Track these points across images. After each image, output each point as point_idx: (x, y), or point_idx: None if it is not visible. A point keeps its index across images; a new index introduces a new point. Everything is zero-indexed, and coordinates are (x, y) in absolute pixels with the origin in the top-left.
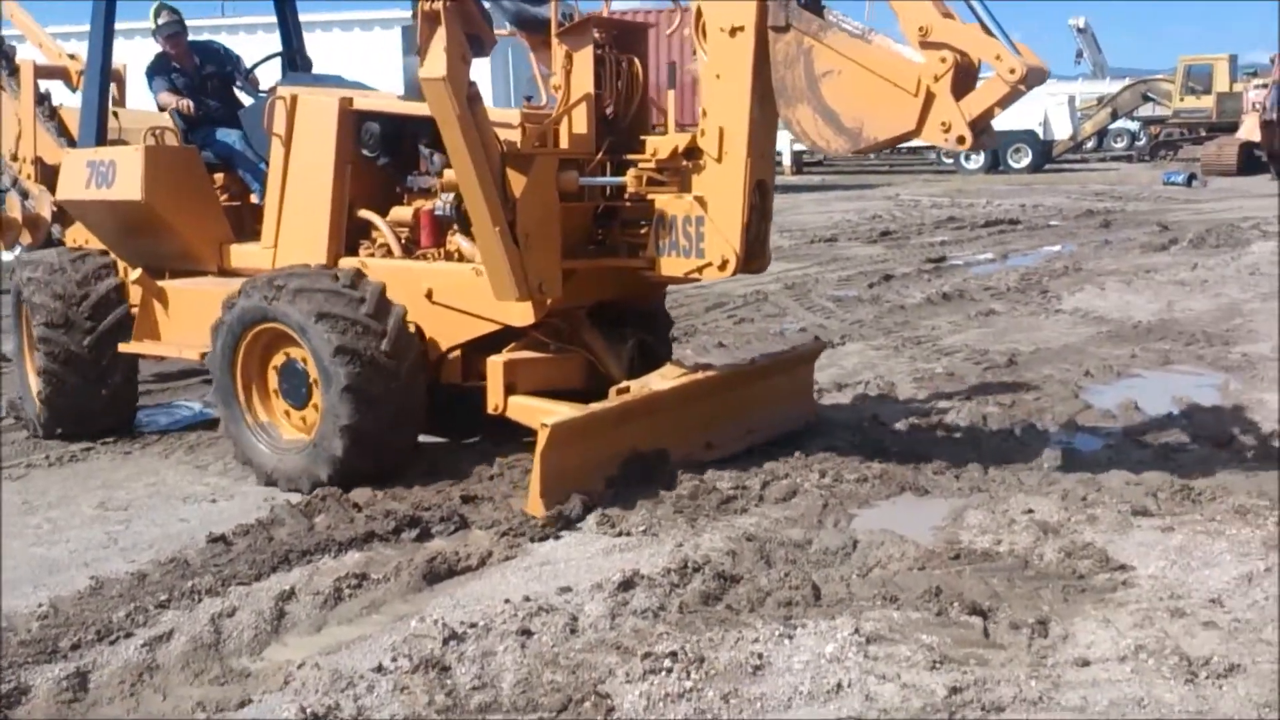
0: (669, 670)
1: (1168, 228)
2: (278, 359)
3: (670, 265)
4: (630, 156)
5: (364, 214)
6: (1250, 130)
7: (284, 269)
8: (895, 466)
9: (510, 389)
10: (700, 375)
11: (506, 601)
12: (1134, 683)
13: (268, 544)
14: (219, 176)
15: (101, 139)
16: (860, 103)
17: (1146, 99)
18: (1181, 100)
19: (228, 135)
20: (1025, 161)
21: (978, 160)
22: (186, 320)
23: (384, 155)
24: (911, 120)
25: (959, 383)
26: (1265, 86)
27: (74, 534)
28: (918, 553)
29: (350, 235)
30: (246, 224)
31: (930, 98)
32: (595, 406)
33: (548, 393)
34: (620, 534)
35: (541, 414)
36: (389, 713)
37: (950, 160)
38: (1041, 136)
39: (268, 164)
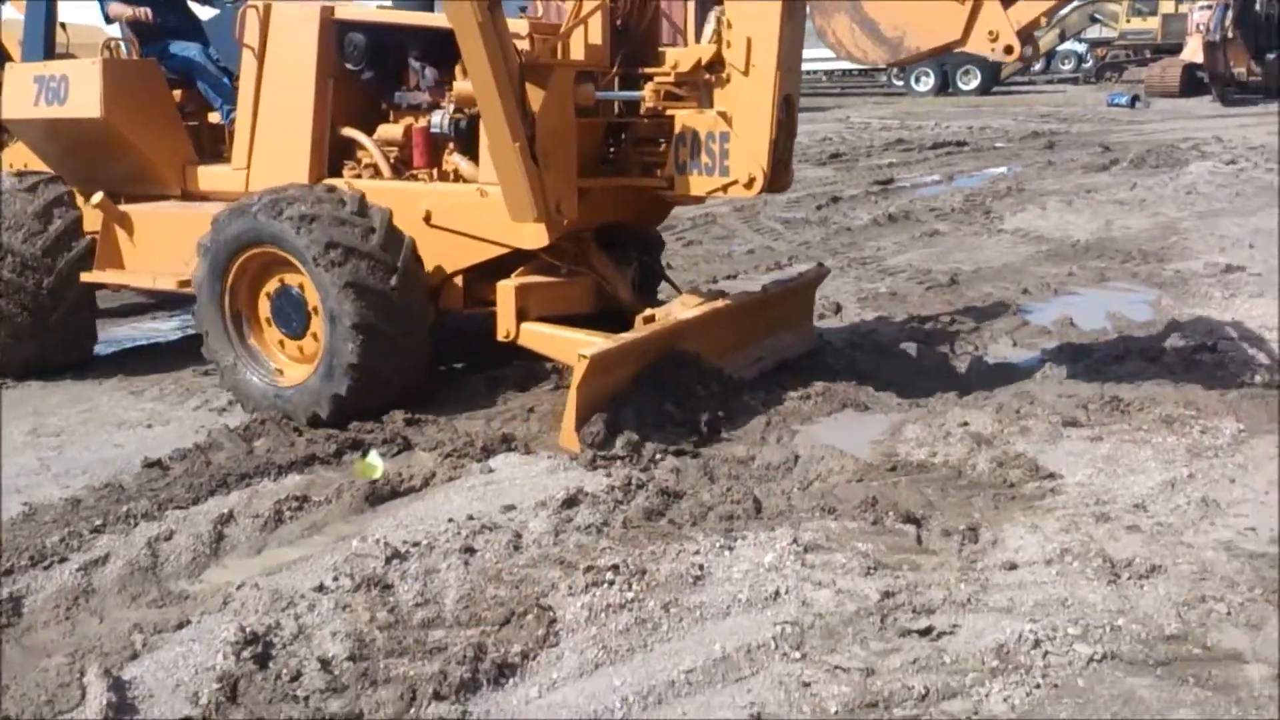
0: (611, 582)
1: (1109, 149)
2: (271, 285)
3: (692, 184)
4: (647, 70)
5: (348, 132)
6: (1193, 52)
7: (282, 189)
8: (838, 384)
9: (522, 314)
10: (720, 304)
11: (450, 521)
12: (1059, 584)
13: (205, 468)
14: (176, 94)
15: (50, 52)
16: (903, 11)
17: (1094, 20)
18: (1128, 22)
19: (186, 49)
20: (974, 84)
21: (927, 82)
22: (154, 247)
23: (369, 69)
24: (957, 29)
25: (902, 302)
26: (1209, 8)
27: (5, 461)
28: (856, 466)
29: (332, 155)
30: (206, 144)
31: (978, 5)
32: (628, 336)
33: (556, 318)
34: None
35: (566, 343)
36: (331, 630)
37: (900, 83)
38: (989, 58)
39: (234, 79)
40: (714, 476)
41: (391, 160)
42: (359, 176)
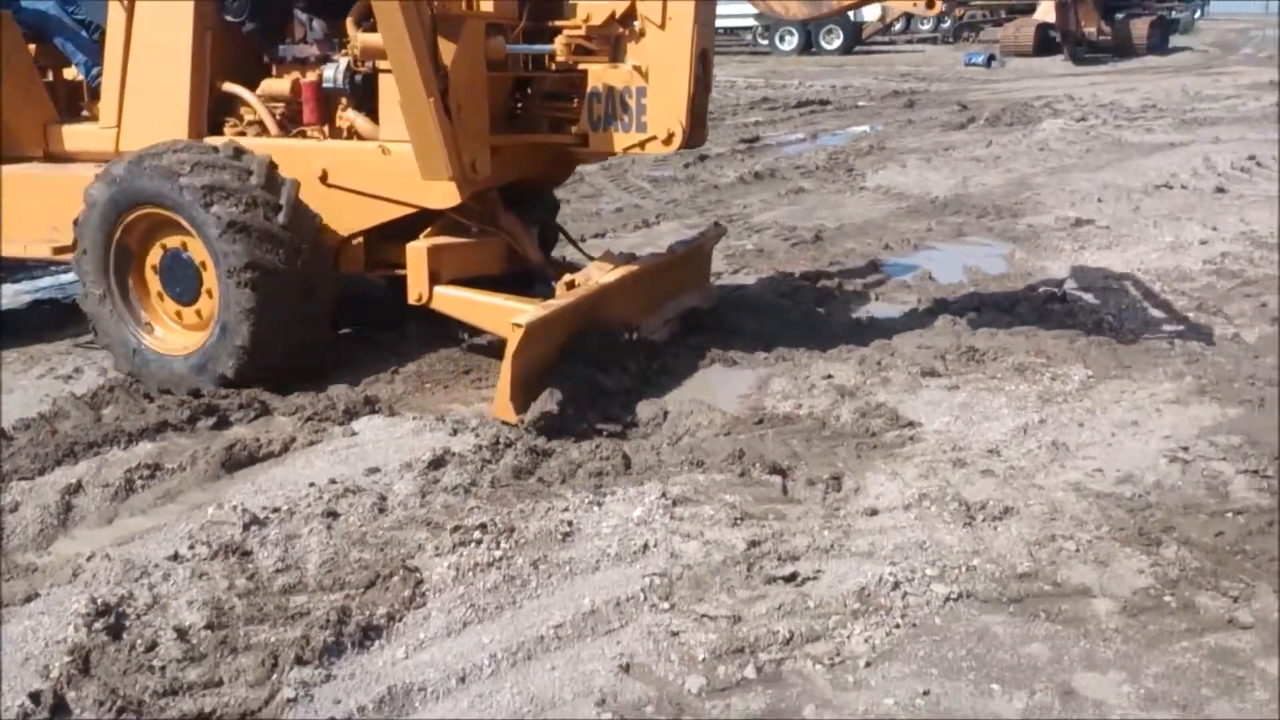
0: (478, 541)
1: (966, 107)
2: (154, 255)
3: (606, 140)
4: (557, 23)
5: (229, 88)
6: (1046, 12)
7: (154, 146)
8: (706, 339)
9: (435, 277)
10: (636, 266)
11: (311, 485)
12: (917, 528)
13: (51, 437)
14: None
15: None
16: None
17: None
18: None
19: (38, 2)
20: (837, 43)
21: (791, 41)
22: (21, 213)
23: (251, 20)
24: None
25: (768, 259)
26: None
27: None
28: (724, 420)
29: (212, 112)
30: (62, 102)
31: None
32: (557, 303)
33: (467, 280)
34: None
35: (489, 310)
36: (187, 599)
37: (765, 42)
38: (852, 18)
39: (95, 32)
40: (583, 433)
41: (278, 117)
42: (243, 134)
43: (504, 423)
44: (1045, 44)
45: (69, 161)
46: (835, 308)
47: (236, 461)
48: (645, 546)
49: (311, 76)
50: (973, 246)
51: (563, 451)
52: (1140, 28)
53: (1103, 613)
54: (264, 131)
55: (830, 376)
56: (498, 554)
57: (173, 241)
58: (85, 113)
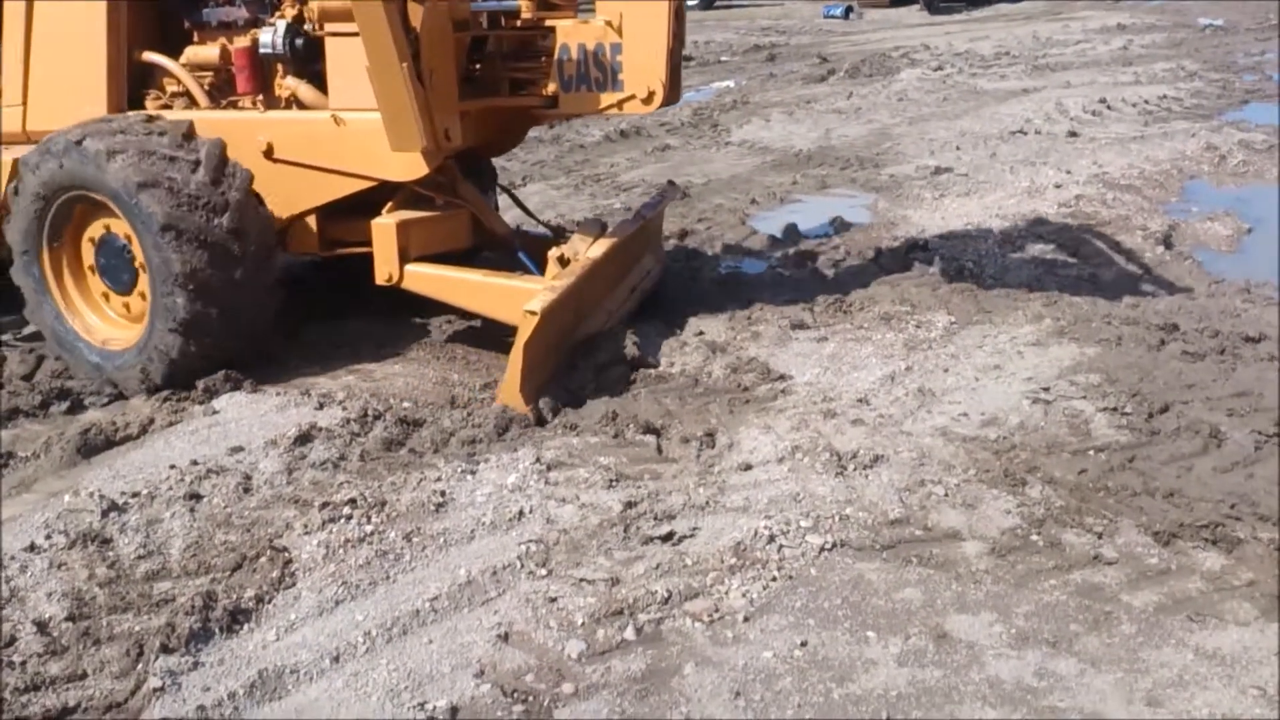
0: (349, 517)
1: (826, 59)
2: (94, 230)
3: (580, 101)
4: None
5: (150, 57)
6: None
7: (93, 122)
8: None
9: (404, 255)
10: (616, 237)
11: (172, 467)
12: (790, 480)
13: None
14: None
15: None
16: None
17: None
18: None
19: None
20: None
21: None
22: None
23: None
24: None
25: None
26: None
27: None
28: (598, 380)
29: (130, 84)
30: None
31: None
32: (560, 282)
33: (434, 257)
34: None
35: (480, 290)
36: (46, 590)
37: None
38: None
39: None
40: (455, 402)
41: (206, 87)
42: (168, 107)
43: (510, 409)
44: None
45: None
46: (704, 263)
47: (92, 446)
48: (521, 513)
49: (243, 42)
50: (837, 198)
51: (434, 420)
52: None
53: (972, 554)
54: (192, 103)
55: (702, 333)
56: (369, 529)
57: (115, 227)
58: None
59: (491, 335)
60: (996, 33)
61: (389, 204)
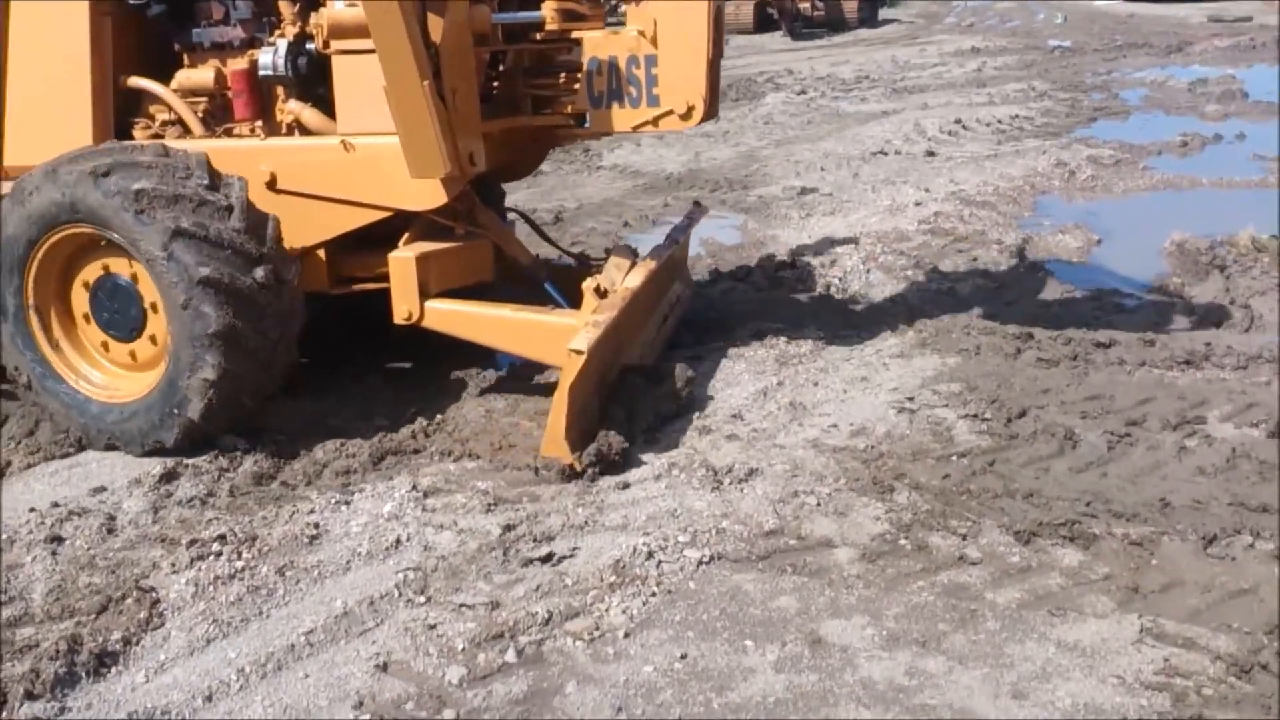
0: (218, 554)
1: None
2: (89, 273)
3: (610, 119)
4: None
5: (137, 83)
6: None
7: (102, 151)
8: None
9: (424, 291)
10: (650, 264)
11: (32, 510)
12: (668, 496)
13: None
14: None
15: None
16: None
17: None
18: None
19: None
20: None
21: None
22: None
23: (157, 3)
24: None
25: None
26: None
27: None
28: (478, 408)
29: (115, 112)
30: None
31: None
32: (603, 316)
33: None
34: None
35: (514, 328)
36: None
37: None
38: None
39: None
40: (330, 432)
41: (200, 114)
42: (158, 136)
43: (563, 466)
44: (764, 21)
45: None
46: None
47: None
48: (398, 541)
49: (240, 64)
50: (708, 219)
51: (307, 453)
52: (851, 3)
53: (844, 561)
54: (185, 132)
55: (581, 352)
56: (239, 564)
57: (94, 271)
58: None
59: (366, 362)
60: (856, 57)
61: (405, 235)
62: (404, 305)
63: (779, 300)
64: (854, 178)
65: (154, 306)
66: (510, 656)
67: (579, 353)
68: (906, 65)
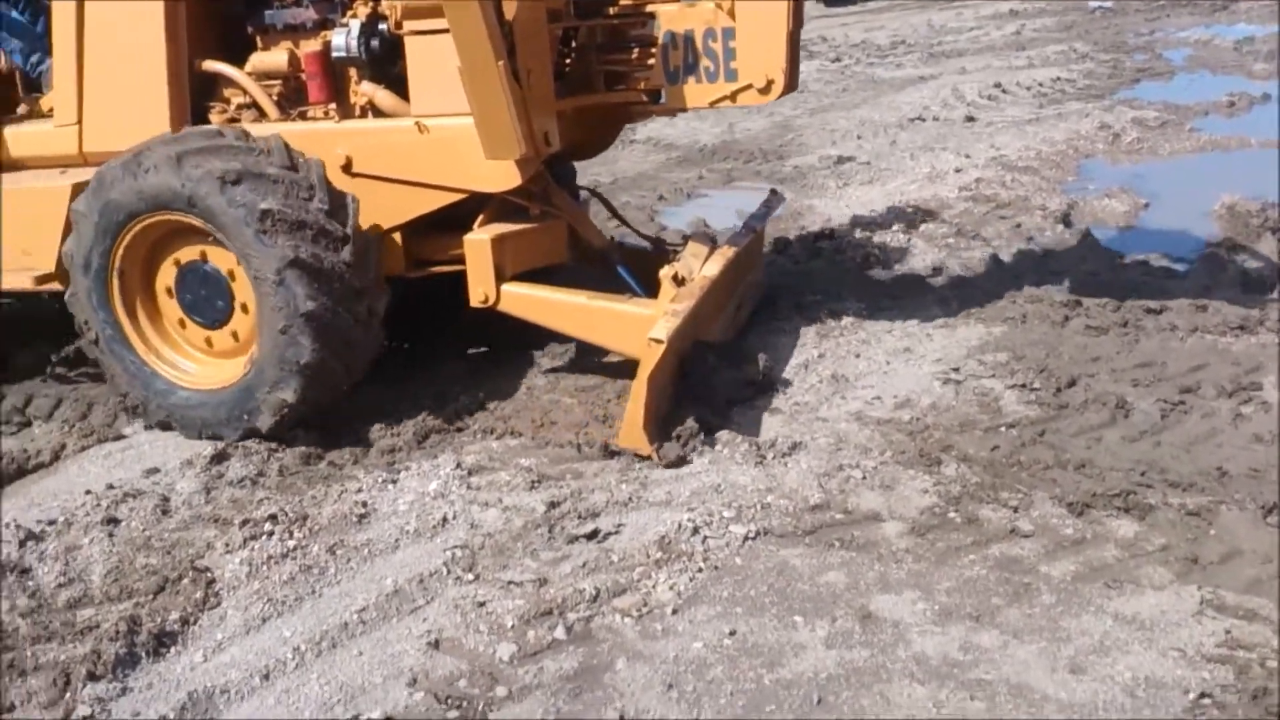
0: (270, 533)
1: None
2: (184, 254)
3: (687, 94)
4: None
5: (212, 66)
6: None
7: (181, 137)
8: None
9: (500, 273)
10: (730, 251)
11: (88, 493)
12: (712, 471)
13: None
14: None
15: None
16: None
17: None
18: None
19: None
20: None
21: None
22: None
23: None
24: None
25: None
26: None
27: None
28: (517, 386)
29: (191, 96)
30: None
31: None
32: (682, 305)
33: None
34: None
35: (591, 315)
36: None
37: None
38: None
39: (26, 10)
40: (374, 410)
41: (274, 97)
42: (234, 120)
43: (636, 455)
44: None
45: (16, 170)
46: (614, 264)
47: (5, 476)
48: (444, 519)
49: (313, 45)
50: (743, 191)
51: (353, 432)
52: None
53: (893, 535)
54: (260, 115)
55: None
56: (291, 544)
57: (186, 254)
58: (22, 109)
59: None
60: (891, 23)
61: (480, 217)
62: (480, 288)
63: (818, 271)
64: (891, 145)
65: (244, 308)
66: (560, 633)
67: (659, 341)
68: (943, 29)
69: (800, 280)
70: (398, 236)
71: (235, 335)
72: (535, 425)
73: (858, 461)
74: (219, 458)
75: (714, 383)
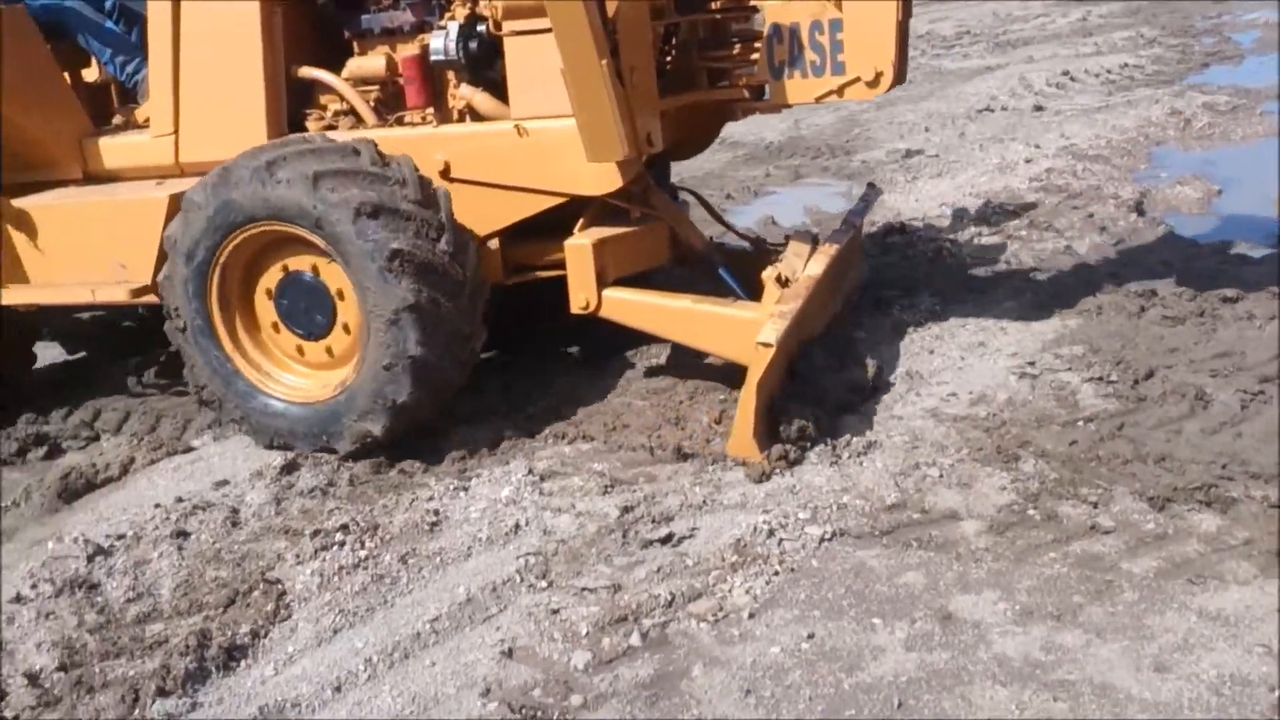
0: (342, 544)
1: None
2: (272, 275)
3: (793, 90)
4: None
5: (309, 73)
6: None
7: (268, 147)
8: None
9: (602, 278)
10: (833, 249)
11: (157, 506)
12: (785, 473)
13: None
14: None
15: None
16: None
17: None
18: None
19: None
20: None
21: None
22: (74, 250)
23: None
24: None
25: None
26: None
27: None
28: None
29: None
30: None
31: None
32: (788, 307)
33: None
34: None
35: (696, 319)
36: (35, 641)
37: None
38: None
39: (122, 20)
40: (452, 418)
41: (371, 102)
42: (332, 128)
43: (744, 463)
44: None
45: (111, 181)
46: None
47: (74, 491)
48: (517, 526)
49: (410, 49)
50: (811, 187)
51: (422, 440)
52: None
53: (971, 533)
54: (358, 122)
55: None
56: (363, 554)
57: (296, 263)
58: (117, 119)
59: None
60: (957, 13)
61: (580, 221)
62: (581, 294)
63: (890, 266)
64: (960, 137)
65: (346, 328)
66: (635, 640)
67: (768, 345)
68: (1008, 18)
69: (872, 275)
70: (495, 243)
71: (330, 350)
72: (607, 429)
73: (934, 459)
74: (289, 468)
75: (824, 383)
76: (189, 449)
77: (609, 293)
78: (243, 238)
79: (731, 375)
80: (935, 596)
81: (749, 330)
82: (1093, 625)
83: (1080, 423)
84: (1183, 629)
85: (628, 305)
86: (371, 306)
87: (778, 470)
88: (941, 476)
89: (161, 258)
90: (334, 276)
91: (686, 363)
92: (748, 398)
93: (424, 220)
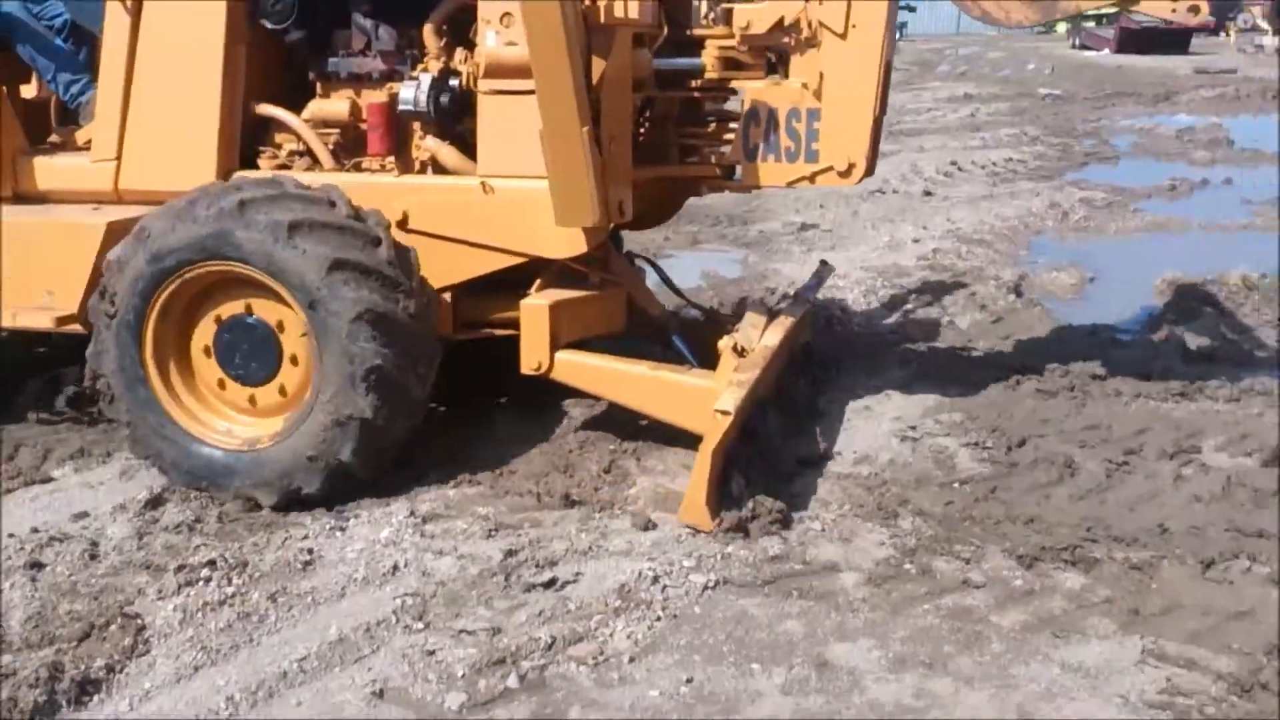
0: (207, 579)
1: None
2: (219, 311)
3: (764, 173)
4: (700, 32)
5: (267, 110)
6: None
7: (237, 184)
8: None
9: (555, 341)
10: (788, 321)
11: (11, 536)
12: (673, 522)
13: None
14: None
15: None
16: None
17: None
18: None
19: None
20: None
21: None
22: (5, 272)
23: (295, 28)
24: None
25: None
26: None
27: None
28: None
29: (241, 140)
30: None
31: None
32: (745, 375)
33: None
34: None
35: (651, 386)
36: None
37: None
38: None
39: (71, 39)
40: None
41: (330, 146)
42: (285, 167)
43: (693, 530)
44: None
45: (43, 201)
46: None
47: None
48: (395, 567)
49: (378, 97)
50: (709, 253)
51: None
52: None
53: (850, 585)
54: (314, 164)
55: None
56: (229, 590)
57: (232, 308)
58: (54, 139)
59: None
60: None
61: (538, 281)
62: (534, 355)
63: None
64: (853, 215)
65: (292, 359)
66: (512, 682)
67: (726, 413)
68: (902, 110)
69: None
70: (447, 296)
71: (282, 390)
72: (494, 474)
73: (817, 514)
74: (153, 503)
75: (776, 451)
76: (48, 479)
77: (563, 355)
78: (172, 289)
79: (622, 426)
80: (813, 644)
81: (705, 398)
82: (962, 674)
83: (956, 484)
84: (1046, 679)
85: (582, 369)
86: (328, 362)
87: (731, 539)
88: (824, 530)
89: (91, 285)
90: (270, 311)
91: (577, 412)
92: (703, 464)
93: (393, 281)
